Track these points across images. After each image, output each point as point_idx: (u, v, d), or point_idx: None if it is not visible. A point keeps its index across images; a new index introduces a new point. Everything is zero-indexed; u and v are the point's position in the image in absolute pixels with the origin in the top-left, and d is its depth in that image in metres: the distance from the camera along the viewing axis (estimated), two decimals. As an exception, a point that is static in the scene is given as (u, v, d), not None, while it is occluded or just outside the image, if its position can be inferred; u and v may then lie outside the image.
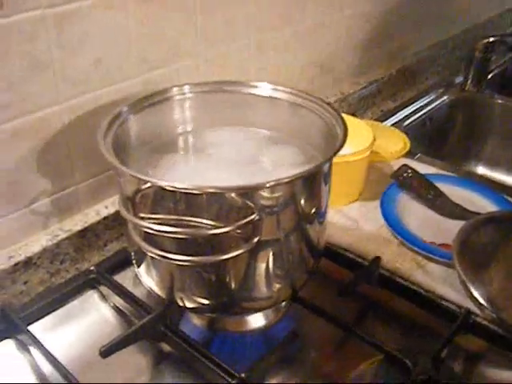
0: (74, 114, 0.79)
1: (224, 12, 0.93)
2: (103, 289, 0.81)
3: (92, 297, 0.81)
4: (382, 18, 1.29)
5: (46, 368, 0.70)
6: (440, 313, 0.78)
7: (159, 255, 0.62)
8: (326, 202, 0.72)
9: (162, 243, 0.63)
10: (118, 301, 0.79)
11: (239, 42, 0.99)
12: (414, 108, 1.39)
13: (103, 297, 0.81)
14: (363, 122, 1.04)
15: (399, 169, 1.01)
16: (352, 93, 1.26)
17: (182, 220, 0.62)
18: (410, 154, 1.10)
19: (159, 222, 0.62)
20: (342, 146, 0.65)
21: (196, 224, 0.61)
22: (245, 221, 0.59)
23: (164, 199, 0.62)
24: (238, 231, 0.61)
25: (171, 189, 0.59)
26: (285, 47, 1.09)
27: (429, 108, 1.41)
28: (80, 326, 0.77)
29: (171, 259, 0.62)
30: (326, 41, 1.17)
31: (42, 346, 0.71)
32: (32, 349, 0.72)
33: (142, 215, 0.64)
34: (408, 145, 1.09)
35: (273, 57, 1.07)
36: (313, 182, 0.67)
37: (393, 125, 1.29)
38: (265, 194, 0.61)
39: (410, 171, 1.00)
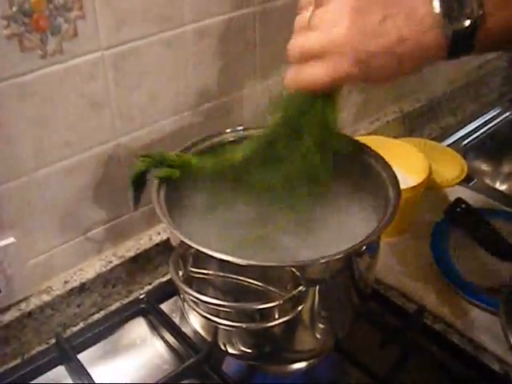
0: (130, 147, 0.80)
1: (282, 41, 0.91)
2: (152, 318, 0.83)
3: (141, 326, 0.83)
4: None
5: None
6: (480, 369, 0.77)
7: (206, 318, 0.63)
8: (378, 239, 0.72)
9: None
10: (165, 333, 0.81)
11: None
12: (476, 124, 1.33)
13: (151, 326, 0.83)
14: (420, 147, 1.01)
15: (453, 203, 0.98)
16: (412, 110, 1.23)
17: (229, 277, 0.63)
18: (467, 179, 1.07)
19: (209, 276, 0.64)
20: (394, 214, 0.65)
21: (243, 283, 0.62)
22: (291, 294, 0.60)
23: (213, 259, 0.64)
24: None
25: (219, 258, 0.60)
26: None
27: (491, 124, 1.35)
28: (128, 354, 0.80)
29: (217, 323, 0.63)
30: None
31: (89, 375, 0.73)
32: (80, 377, 0.75)
33: (192, 269, 0.66)
34: (465, 171, 1.06)
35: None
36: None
37: (452, 143, 1.24)
38: (314, 269, 0.62)
39: (463, 206, 0.97)
